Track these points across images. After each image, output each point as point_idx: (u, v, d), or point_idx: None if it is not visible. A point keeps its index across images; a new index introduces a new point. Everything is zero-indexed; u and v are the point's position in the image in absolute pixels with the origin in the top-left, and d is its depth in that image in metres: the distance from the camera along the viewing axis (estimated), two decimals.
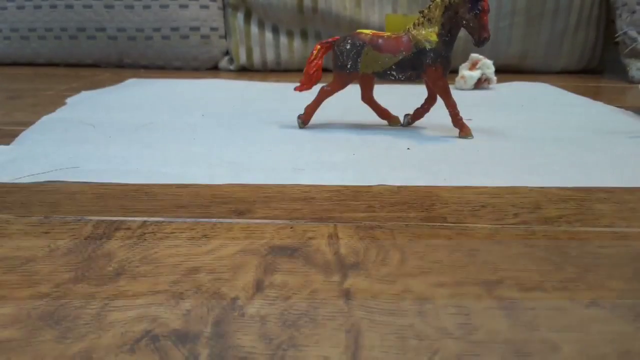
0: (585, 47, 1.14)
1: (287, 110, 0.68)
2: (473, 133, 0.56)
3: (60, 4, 1.12)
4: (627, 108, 0.73)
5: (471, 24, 0.51)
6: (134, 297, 0.25)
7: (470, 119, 0.63)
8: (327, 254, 0.30)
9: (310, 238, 0.32)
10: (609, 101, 0.79)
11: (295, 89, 0.59)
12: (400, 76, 0.55)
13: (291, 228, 0.33)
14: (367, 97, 0.61)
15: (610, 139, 0.55)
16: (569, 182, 0.42)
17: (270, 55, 1.16)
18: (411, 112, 0.61)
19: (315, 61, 0.57)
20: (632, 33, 1.02)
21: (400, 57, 0.54)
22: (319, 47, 0.57)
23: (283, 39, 1.16)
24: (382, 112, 0.61)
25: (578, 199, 0.39)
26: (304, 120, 0.59)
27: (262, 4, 1.13)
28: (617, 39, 1.07)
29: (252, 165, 0.45)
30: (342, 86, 0.57)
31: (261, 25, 1.16)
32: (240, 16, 1.16)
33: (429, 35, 0.53)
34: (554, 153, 0.50)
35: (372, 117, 0.62)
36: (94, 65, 1.18)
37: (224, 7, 1.17)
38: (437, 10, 0.53)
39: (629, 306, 0.25)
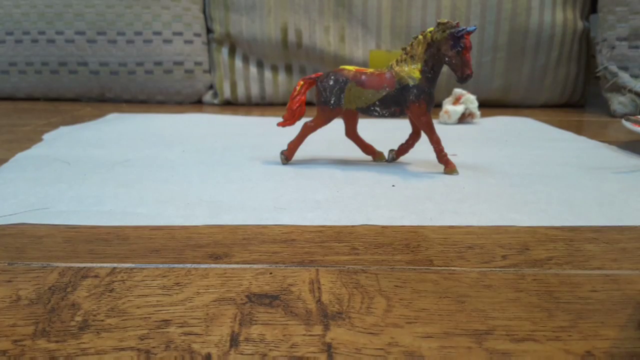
0: (567, 81, 1.15)
1: (271, 146, 0.67)
2: (458, 169, 0.55)
3: (41, 38, 1.12)
4: (610, 143, 0.73)
5: (454, 61, 0.50)
6: (97, 356, 0.23)
7: (455, 154, 0.63)
8: (308, 302, 0.28)
9: (290, 284, 0.30)
10: (592, 136, 0.79)
11: (279, 124, 0.58)
12: (384, 112, 0.54)
13: (270, 273, 0.32)
14: (351, 133, 0.60)
15: (596, 175, 0.55)
16: (557, 221, 0.41)
17: (254, 90, 1.16)
18: (396, 148, 0.60)
19: (298, 97, 0.56)
20: (613, 68, 1.04)
21: (384, 93, 0.53)
22: (302, 82, 0.57)
23: (267, 74, 1.16)
24: (366, 148, 0.61)
25: (567, 239, 0.38)
26: (287, 156, 0.58)
27: (246, 39, 1.13)
28: (598, 74, 1.08)
29: (232, 205, 0.44)
30: (326, 122, 0.56)
31: (245, 59, 1.16)
32: (224, 51, 1.16)
33: (412, 71, 0.53)
34: (540, 190, 0.49)
35: (356, 152, 0.61)
36: (75, 100, 1.17)
37: (208, 42, 1.17)
38: (420, 47, 0.53)
39: (625, 356, 0.24)
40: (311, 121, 0.57)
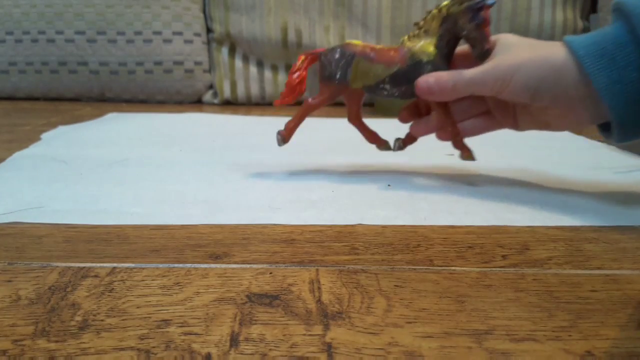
0: None
1: (270, 145, 0.67)
2: (455, 168, 0.55)
3: (41, 38, 1.11)
4: (609, 143, 0.73)
5: (472, 35, 0.46)
6: (97, 355, 0.23)
7: (452, 154, 0.62)
8: (308, 302, 0.28)
9: (290, 284, 0.30)
10: (591, 135, 0.79)
11: (276, 102, 0.53)
12: (394, 91, 0.49)
13: (270, 273, 0.32)
14: (355, 118, 0.55)
15: (595, 175, 0.55)
16: (557, 221, 0.41)
17: (254, 89, 1.16)
18: (402, 136, 0.55)
19: (299, 72, 0.51)
20: None
21: (395, 69, 0.49)
22: (303, 57, 0.51)
23: (267, 73, 1.16)
24: (370, 135, 0.55)
25: (566, 238, 0.38)
26: (285, 137, 0.53)
27: (246, 39, 1.13)
28: None
29: (229, 204, 0.44)
30: (330, 99, 0.51)
31: (245, 59, 1.16)
32: (224, 50, 1.16)
33: (426, 46, 0.48)
34: (540, 190, 0.49)
35: (354, 152, 0.61)
36: (75, 100, 1.17)
37: (208, 42, 1.17)
38: (434, 21, 0.48)
39: (625, 356, 0.24)
40: (313, 98, 0.51)
